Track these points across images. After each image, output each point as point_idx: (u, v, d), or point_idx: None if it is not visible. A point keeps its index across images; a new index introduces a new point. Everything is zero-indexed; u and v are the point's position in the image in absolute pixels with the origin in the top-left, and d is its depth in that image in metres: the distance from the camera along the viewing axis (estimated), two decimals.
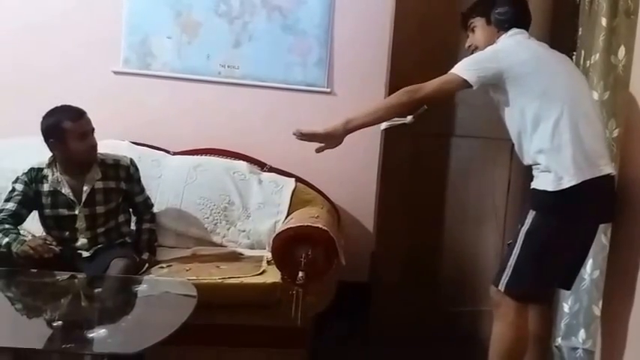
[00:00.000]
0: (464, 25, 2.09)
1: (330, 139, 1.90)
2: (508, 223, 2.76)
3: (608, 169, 1.85)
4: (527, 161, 1.94)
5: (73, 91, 2.57)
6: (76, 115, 2.18)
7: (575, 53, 2.51)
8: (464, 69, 1.86)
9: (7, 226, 2.13)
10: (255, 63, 2.87)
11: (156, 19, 2.81)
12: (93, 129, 2.23)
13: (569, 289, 2.10)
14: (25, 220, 2.24)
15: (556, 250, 1.84)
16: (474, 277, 2.79)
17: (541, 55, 1.93)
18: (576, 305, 2.44)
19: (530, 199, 1.89)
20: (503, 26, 1.98)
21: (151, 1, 2.79)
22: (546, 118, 1.82)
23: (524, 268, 1.83)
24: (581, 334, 2.45)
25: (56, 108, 2.20)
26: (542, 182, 1.84)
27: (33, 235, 2.21)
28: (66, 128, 2.15)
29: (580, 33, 2.48)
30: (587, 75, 2.36)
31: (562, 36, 2.63)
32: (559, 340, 2.51)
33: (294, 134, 1.89)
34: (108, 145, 2.49)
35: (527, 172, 2.73)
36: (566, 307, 2.48)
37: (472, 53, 2.02)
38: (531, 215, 1.84)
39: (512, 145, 2.69)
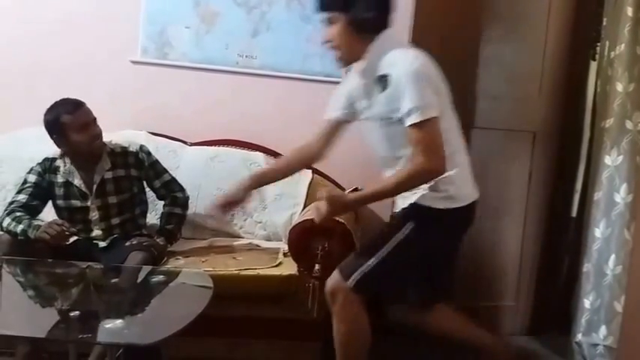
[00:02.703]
0: (320, 7, 1.78)
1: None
2: (528, 217, 2.71)
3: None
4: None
5: (90, 81, 2.59)
6: (73, 107, 2.14)
7: (599, 44, 2.45)
8: (425, 108, 1.65)
9: (18, 214, 2.12)
10: (274, 53, 2.84)
11: (174, 8, 2.79)
12: (94, 119, 2.18)
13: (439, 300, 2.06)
14: (40, 211, 2.24)
15: (420, 262, 1.83)
16: (493, 271, 2.76)
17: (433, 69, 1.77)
18: (597, 301, 2.40)
19: (410, 212, 1.80)
20: (367, 32, 1.74)
21: None
22: (446, 143, 1.72)
23: (384, 272, 1.77)
24: (602, 330, 2.40)
25: (54, 103, 2.17)
26: (428, 199, 1.78)
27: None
28: (65, 122, 2.13)
29: (604, 23, 2.41)
30: (611, 66, 2.30)
31: (586, 26, 2.57)
32: (579, 337, 2.46)
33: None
34: (125, 135, 2.49)
35: (550, 166, 2.70)
36: (587, 303, 2.43)
37: (337, 52, 1.78)
38: (410, 226, 1.78)
39: (534, 137, 2.68)
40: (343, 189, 2.78)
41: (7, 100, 2.77)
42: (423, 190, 1.77)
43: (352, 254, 1.87)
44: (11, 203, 2.18)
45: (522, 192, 2.70)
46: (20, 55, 2.78)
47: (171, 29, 2.80)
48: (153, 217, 2.51)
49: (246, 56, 2.84)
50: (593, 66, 2.58)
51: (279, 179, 2.09)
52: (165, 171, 2.39)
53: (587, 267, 2.42)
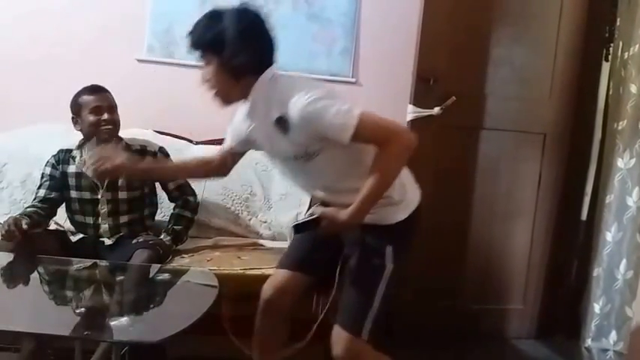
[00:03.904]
0: (191, 45, 1.66)
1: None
2: (538, 220, 2.68)
3: None
4: (347, 200, 1.60)
5: (96, 79, 2.55)
6: (93, 89, 2.22)
7: (612, 44, 2.42)
8: (348, 113, 1.55)
9: (29, 209, 2.16)
10: (280, 52, 2.80)
11: (180, 7, 2.77)
12: (110, 106, 2.21)
13: None
14: (60, 202, 2.26)
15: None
16: (501, 274, 2.73)
17: None
18: (608, 306, 2.37)
19: (382, 235, 1.67)
20: (245, 74, 1.62)
21: None
22: None
23: (384, 307, 1.66)
24: (613, 335, 2.37)
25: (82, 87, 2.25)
26: (391, 215, 1.67)
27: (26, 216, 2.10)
28: (81, 102, 2.20)
29: (618, 24, 2.39)
30: (625, 67, 2.28)
31: (599, 26, 2.54)
32: (589, 342, 2.44)
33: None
34: (131, 133, 2.47)
35: (560, 168, 2.67)
36: (597, 308, 2.40)
37: (214, 92, 1.68)
38: (389, 250, 1.65)
39: (544, 139, 2.65)
40: None
41: (14, 98, 2.76)
42: (381, 207, 1.64)
43: (347, 303, 1.68)
44: (34, 199, 2.24)
45: (532, 194, 2.67)
46: (27, 53, 2.77)
47: (177, 28, 2.79)
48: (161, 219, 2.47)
49: None
50: (606, 67, 2.55)
51: (171, 177, 1.96)
52: None
53: (598, 271, 2.40)
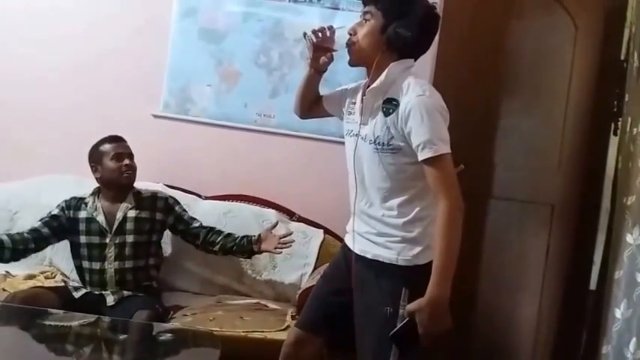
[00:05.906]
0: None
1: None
2: (545, 291, 2.64)
3: None
4: (378, 215, 1.66)
5: (111, 132, 2.62)
6: (114, 138, 2.36)
7: (621, 119, 2.44)
8: (442, 142, 1.56)
9: (19, 232, 2.23)
10: (291, 113, 2.78)
11: (197, 67, 2.85)
12: (130, 154, 2.35)
13: None
14: (47, 241, 2.28)
15: None
16: (507, 347, 2.67)
17: None
18: None
19: (397, 275, 1.61)
20: (395, 49, 1.62)
21: (193, 50, 2.85)
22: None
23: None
24: None
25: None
26: (410, 256, 1.61)
27: None
28: (103, 150, 2.32)
29: (627, 99, 2.42)
30: (634, 142, 2.28)
31: (607, 102, 2.58)
32: None
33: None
34: (142, 186, 2.50)
35: (568, 239, 2.65)
36: None
37: (348, 43, 1.68)
38: (406, 293, 1.57)
39: (552, 209, 2.64)
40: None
41: (29, 147, 2.81)
42: (397, 241, 1.62)
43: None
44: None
45: (539, 265, 2.64)
46: (43, 106, 2.84)
47: (193, 86, 2.86)
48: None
49: (265, 115, 2.88)
50: (614, 140, 2.56)
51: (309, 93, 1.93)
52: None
53: (607, 349, 2.32)
